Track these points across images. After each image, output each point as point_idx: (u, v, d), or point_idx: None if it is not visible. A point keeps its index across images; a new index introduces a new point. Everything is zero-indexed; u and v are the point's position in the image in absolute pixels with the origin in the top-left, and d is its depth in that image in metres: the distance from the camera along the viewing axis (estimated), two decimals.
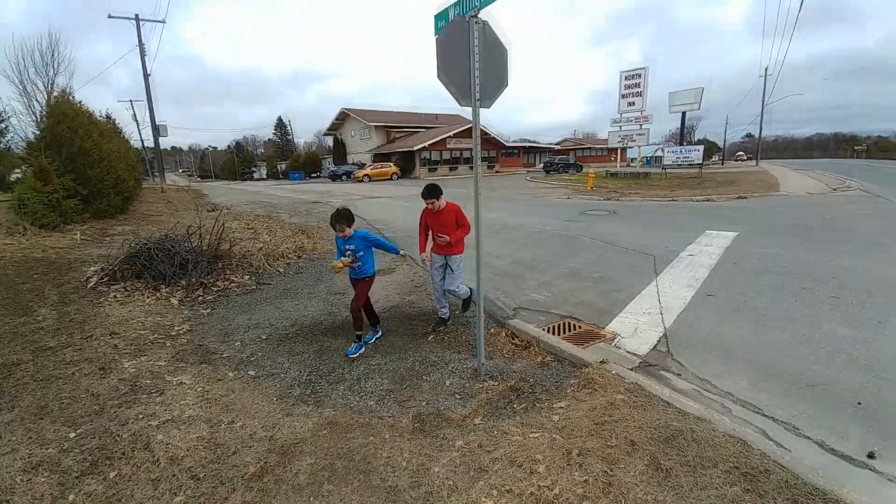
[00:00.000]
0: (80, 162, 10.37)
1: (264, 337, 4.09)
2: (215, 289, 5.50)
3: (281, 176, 57.26)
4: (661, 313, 4.27)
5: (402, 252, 4.02)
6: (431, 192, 3.86)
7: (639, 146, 29.38)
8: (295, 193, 23.46)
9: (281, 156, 69.11)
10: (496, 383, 3.10)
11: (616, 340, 3.74)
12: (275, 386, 3.18)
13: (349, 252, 3.64)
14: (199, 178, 71.36)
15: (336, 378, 3.29)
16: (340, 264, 3.58)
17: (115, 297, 4.97)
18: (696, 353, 3.45)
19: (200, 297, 5.23)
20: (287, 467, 2.25)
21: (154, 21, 22.40)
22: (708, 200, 14.11)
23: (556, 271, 5.90)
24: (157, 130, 24.87)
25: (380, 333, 4.03)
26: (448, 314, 4.24)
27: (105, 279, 5.43)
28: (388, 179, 34.05)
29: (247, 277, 6.04)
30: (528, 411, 2.67)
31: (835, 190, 15.96)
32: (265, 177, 60.05)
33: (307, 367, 3.47)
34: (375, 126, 41.23)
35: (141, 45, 22.82)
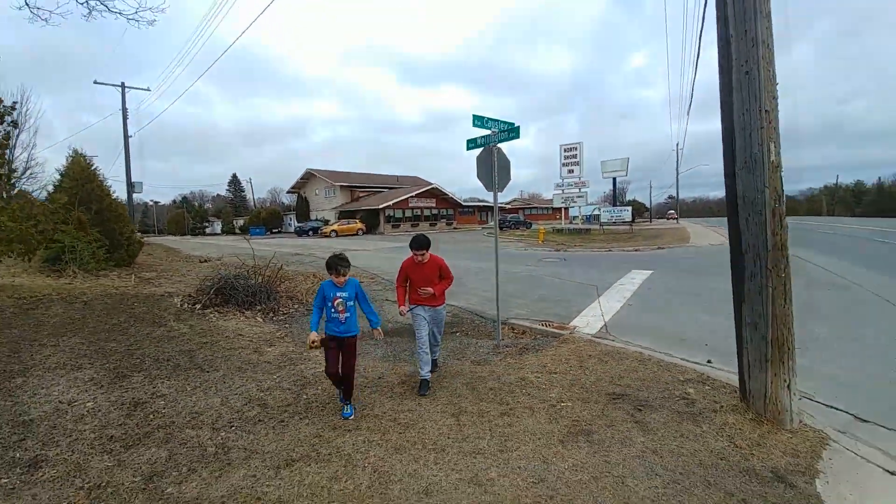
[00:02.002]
0: (106, 217, 11.70)
1: None
2: (282, 312, 7.27)
3: (238, 231, 57.26)
4: (602, 315, 6.67)
5: (379, 328, 3.67)
6: (423, 243, 3.89)
7: (579, 206, 33.79)
8: (269, 247, 24.75)
9: (235, 212, 69.15)
10: (510, 349, 5.24)
11: (576, 329, 6.04)
12: (373, 354, 5.11)
13: (339, 301, 3.43)
14: (139, 233, 69.27)
15: (411, 353, 5.29)
16: (311, 342, 3.39)
17: (214, 316, 6.62)
18: (623, 331, 5.81)
19: (273, 317, 6.99)
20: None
21: (139, 89, 24.10)
22: (636, 250, 17.46)
23: (529, 298, 8.23)
24: (131, 187, 25.68)
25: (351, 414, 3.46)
26: (430, 373, 3.98)
27: (195, 305, 7.05)
28: (354, 235, 36.02)
29: (296, 306, 7.83)
30: (534, 353, 4.84)
31: None
32: (219, 232, 59.61)
33: (388, 347, 5.43)
34: (340, 186, 43.73)
35: (124, 110, 24.27)
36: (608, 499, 2.28)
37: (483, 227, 45.04)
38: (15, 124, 6.74)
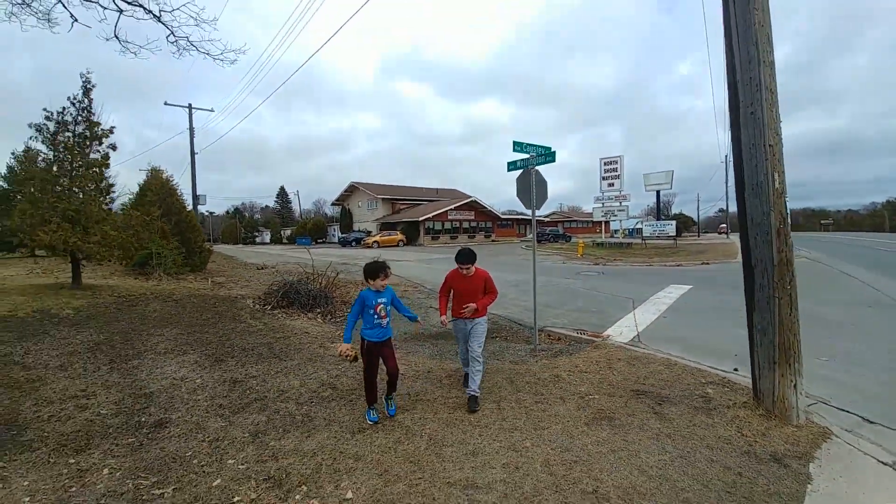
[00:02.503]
0: (183, 227, 13.21)
1: (397, 334, 6.70)
2: (338, 315, 8.10)
3: (286, 241, 60.40)
4: (636, 325, 7.02)
5: (419, 319, 3.95)
6: (468, 257, 3.91)
7: (620, 220, 33.41)
8: (317, 256, 26.28)
9: (282, 222, 72.92)
10: (545, 352, 5.74)
11: (608, 337, 6.44)
12: (421, 353, 5.77)
13: (381, 307, 3.56)
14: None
15: (454, 353, 5.91)
16: (346, 351, 3.53)
17: (281, 316, 7.54)
18: (654, 341, 6.16)
19: (331, 319, 7.83)
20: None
21: (204, 110, 26.54)
22: (678, 266, 17.29)
23: (565, 308, 8.66)
24: (196, 200, 28.08)
25: (394, 412, 3.71)
26: (479, 392, 3.96)
27: (265, 306, 8.02)
28: (394, 246, 37.30)
29: (348, 310, 8.65)
30: (567, 356, 5.33)
31: None
32: (268, 241, 63.02)
33: (434, 347, 6.07)
34: (382, 198, 45.41)
35: (192, 129, 26.73)
36: (622, 465, 2.79)
37: (521, 241, 45.20)
38: (114, 147, 7.99)
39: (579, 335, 6.36)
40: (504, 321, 7.73)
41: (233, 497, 2.62)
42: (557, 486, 2.60)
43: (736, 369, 4.82)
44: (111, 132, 7.73)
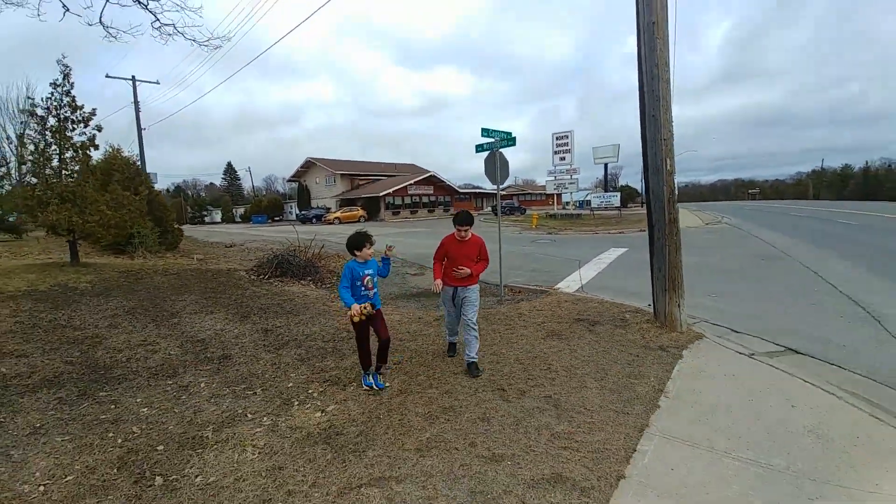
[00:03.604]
0: (155, 206, 13.45)
1: (386, 294, 7.90)
2: (327, 283, 9.15)
3: (239, 220, 58.70)
4: (581, 279, 8.62)
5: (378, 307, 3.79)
6: (468, 219, 3.94)
7: (571, 192, 35.65)
8: (281, 234, 26.58)
9: (233, 200, 70.28)
10: (510, 301, 7.17)
11: (559, 289, 7.98)
12: (411, 306, 7.02)
13: (368, 279, 3.65)
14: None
15: (440, 303, 7.21)
16: (360, 311, 3.51)
17: (278, 284, 8.50)
18: (593, 289, 7.75)
19: (322, 286, 8.87)
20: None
21: (149, 82, 25.43)
22: (621, 233, 19.44)
23: (524, 270, 10.17)
24: (147, 178, 27.16)
25: (383, 386, 3.77)
26: (455, 339, 4.46)
27: (261, 276, 8.91)
28: (356, 222, 37.77)
29: (335, 279, 9.71)
30: (527, 301, 6.78)
31: (707, 224, 22.12)
32: (219, 221, 60.89)
33: (418, 302, 7.34)
34: (340, 174, 45.27)
35: (136, 103, 25.62)
36: (566, 356, 4.24)
37: (479, 214, 46.88)
38: (99, 128, 8.37)
39: (536, 288, 7.86)
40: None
41: (308, 389, 3.81)
42: (524, 367, 4.01)
43: (650, 305, 6.45)
44: (93, 114, 8.12)
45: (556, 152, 33.55)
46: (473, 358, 4.01)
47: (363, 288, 3.72)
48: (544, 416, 3.09)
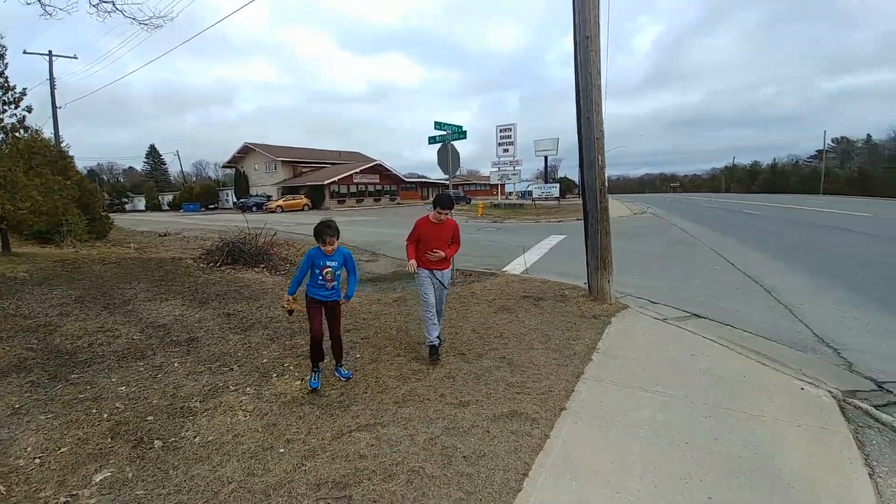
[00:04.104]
0: (82, 191, 12.46)
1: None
2: (282, 270, 9.19)
3: (167, 207, 54.63)
4: (525, 263, 9.39)
5: (348, 301, 3.73)
6: (450, 202, 3.90)
7: (514, 183, 37.05)
8: (218, 223, 25.36)
9: (158, 187, 65.09)
10: (462, 283, 7.73)
11: (506, 271, 8.68)
12: (368, 290, 7.36)
13: (328, 271, 3.44)
14: None
15: (395, 287, 7.60)
16: (295, 303, 3.50)
17: (230, 271, 8.43)
18: (536, 271, 8.53)
19: (276, 273, 8.91)
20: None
21: (66, 57, 23.03)
22: (559, 221, 20.78)
23: (473, 255, 10.80)
24: (72, 162, 24.69)
25: (349, 375, 3.68)
26: (438, 338, 4.07)
27: (210, 264, 8.75)
28: (300, 210, 36.71)
29: (288, 266, 9.75)
30: (478, 282, 7.38)
31: (634, 214, 24.18)
32: (143, 209, 56.33)
33: (376, 287, 7.69)
34: (282, 161, 43.54)
35: (52, 79, 23.16)
36: (515, 326, 4.85)
37: (425, 203, 47.26)
38: (29, 109, 7.81)
39: (485, 271, 8.48)
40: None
41: (283, 363, 4.10)
42: (480, 336, 4.57)
43: (584, 283, 7.30)
44: (24, 94, 7.55)
45: (499, 144, 34.64)
46: (434, 341, 3.99)
47: (321, 279, 3.48)
48: (500, 372, 3.66)
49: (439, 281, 4.14)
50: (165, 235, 17.19)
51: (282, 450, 2.65)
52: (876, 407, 3.09)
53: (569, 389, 3.27)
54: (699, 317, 5.33)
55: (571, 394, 3.20)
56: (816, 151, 69.06)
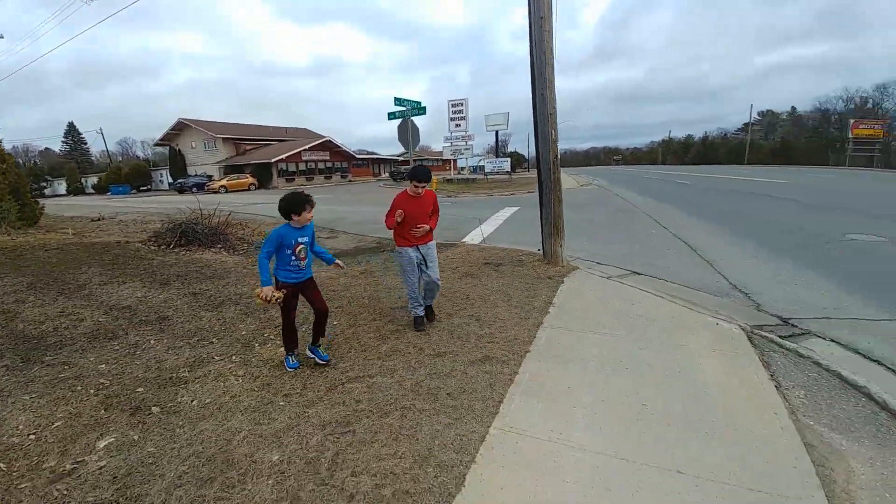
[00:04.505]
0: (10, 175, 11.35)
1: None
2: (239, 250, 9.05)
3: (92, 191, 50.22)
4: (482, 233, 9.86)
5: (336, 261, 3.69)
6: (428, 174, 3.74)
7: (466, 158, 37.42)
8: (157, 205, 23.82)
9: (80, 169, 59.40)
10: None
11: (465, 242, 9.10)
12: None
13: (301, 248, 3.21)
14: None
15: (359, 260, 7.80)
16: (271, 296, 3.06)
17: (185, 253, 8.22)
18: (494, 241, 9.01)
19: (234, 253, 8.79)
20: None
21: None
22: (511, 195, 21.48)
23: None
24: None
25: (327, 358, 3.45)
26: (423, 311, 4.12)
27: (162, 246, 8.46)
28: (245, 190, 35.07)
29: (245, 246, 9.61)
30: (441, 252, 7.74)
31: (581, 186, 25.41)
32: (64, 193, 51.46)
33: (354, 259, 7.86)
34: (223, 138, 41.01)
35: None
36: (479, 288, 5.29)
37: (377, 180, 46.63)
38: None
39: (446, 242, 8.85)
40: (388, 240, 9.80)
41: (263, 334, 4.29)
42: (448, 299, 4.98)
43: (539, 249, 7.88)
44: None
45: (451, 119, 34.67)
46: (419, 312, 4.11)
47: (294, 257, 3.19)
48: (470, 327, 4.07)
49: (423, 256, 3.99)
50: (100, 220, 16.04)
51: (282, 403, 2.92)
52: (780, 336, 3.82)
53: (531, 336, 3.75)
54: (638, 274, 6.03)
55: (533, 340, 3.68)
56: (743, 124, 74.96)
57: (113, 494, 2.18)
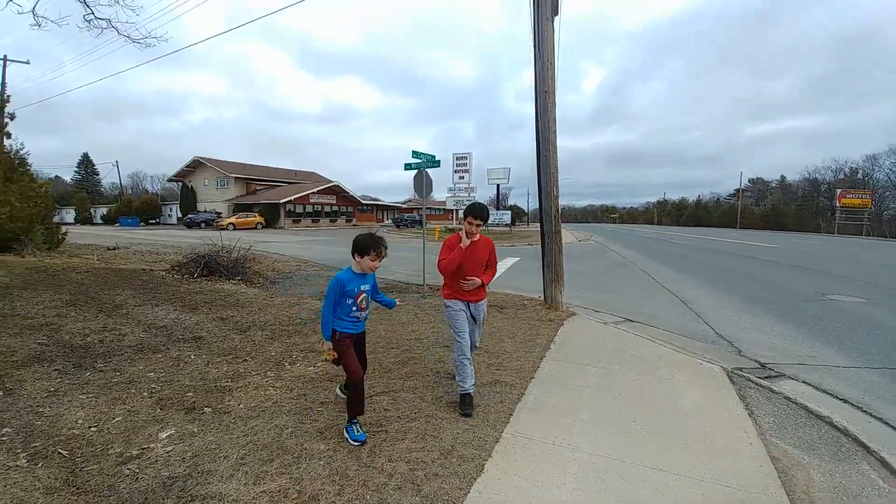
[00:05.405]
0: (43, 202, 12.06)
1: (302, 293, 8.72)
2: (257, 283, 9.56)
3: (100, 221, 51.24)
4: None
5: (397, 302, 3.41)
6: (485, 212, 3.20)
7: None
8: (172, 239, 24.50)
9: (90, 199, 60.89)
10: (432, 295, 8.57)
11: None
12: None
13: (363, 297, 2.89)
14: None
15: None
16: (329, 352, 2.86)
17: (207, 283, 8.72)
18: (497, 287, 9.55)
19: (253, 285, 9.30)
20: None
21: (19, 62, 21.91)
22: (512, 246, 22.29)
23: (435, 273, 11.71)
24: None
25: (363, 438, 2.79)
26: (472, 388, 3.31)
27: (185, 276, 8.97)
28: (252, 228, 35.97)
29: (261, 280, 10.12)
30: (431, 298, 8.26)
31: (580, 241, 26.33)
32: (72, 221, 52.43)
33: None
34: (235, 177, 42.58)
35: (4, 84, 21.87)
36: (486, 328, 5.76)
37: (381, 225, 47.83)
38: (12, 116, 7.90)
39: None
40: (395, 282, 10.35)
41: (291, 355, 4.73)
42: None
43: (540, 294, 8.42)
44: (8, 101, 7.66)
45: (455, 171, 36.30)
46: (468, 390, 3.22)
47: (355, 308, 2.88)
48: (482, 357, 4.54)
49: (472, 315, 3.41)
50: (115, 249, 16.63)
51: (320, 408, 3.35)
52: (757, 377, 4.30)
53: (535, 366, 4.22)
54: (631, 321, 6.55)
55: (537, 369, 4.15)
56: (735, 190, 77.94)
57: (185, 470, 2.59)
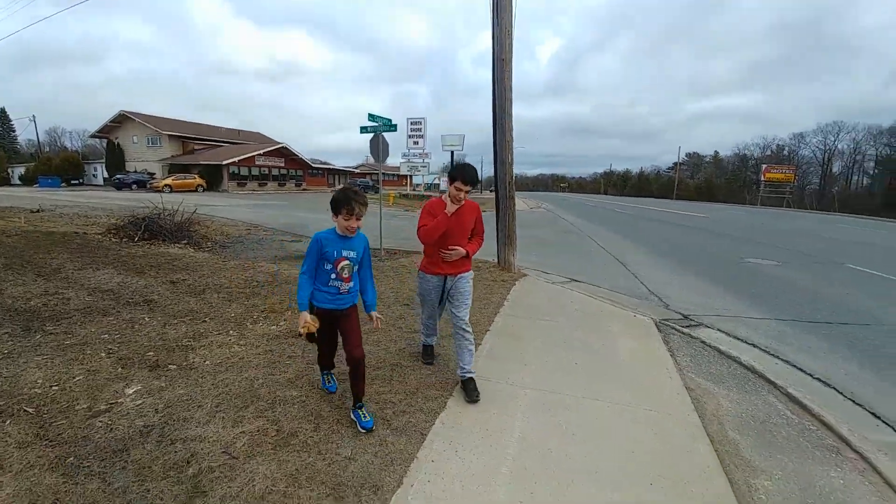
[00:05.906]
0: None
1: (256, 257, 8.60)
2: (206, 246, 9.22)
3: (18, 181, 45.87)
4: None
5: (375, 313, 2.81)
6: (475, 175, 2.89)
7: (422, 175, 38.46)
8: (94, 200, 22.51)
9: (6, 158, 54.01)
10: (389, 259, 8.73)
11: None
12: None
13: (345, 264, 2.49)
14: None
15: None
16: (308, 323, 2.41)
17: (150, 246, 8.31)
18: None
19: (201, 249, 8.97)
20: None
21: None
22: None
23: (393, 238, 11.82)
24: None
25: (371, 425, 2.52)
26: (434, 340, 3.41)
27: (124, 239, 8.48)
28: (192, 191, 33.71)
29: (210, 244, 9.77)
30: (403, 259, 8.46)
31: (530, 209, 27.19)
32: None
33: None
34: (169, 135, 39.25)
35: None
36: None
37: (332, 190, 46.33)
38: None
39: (408, 250, 9.59)
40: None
41: (252, 315, 4.77)
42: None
43: (493, 257, 8.83)
44: None
45: (409, 136, 35.55)
46: (470, 372, 2.96)
47: (335, 277, 2.50)
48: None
49: (453, 291, 3.10)
50: (38, 212, 15.16)
51: (288, 361, 3.50)
52: (680, 325, 4.92)
53: (490, 321, 4.58)
54: (577, 281, 7.11)
55: (492, 323, 4.52)
56: (673, 163, 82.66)
57: (160, 419, 2.68)
